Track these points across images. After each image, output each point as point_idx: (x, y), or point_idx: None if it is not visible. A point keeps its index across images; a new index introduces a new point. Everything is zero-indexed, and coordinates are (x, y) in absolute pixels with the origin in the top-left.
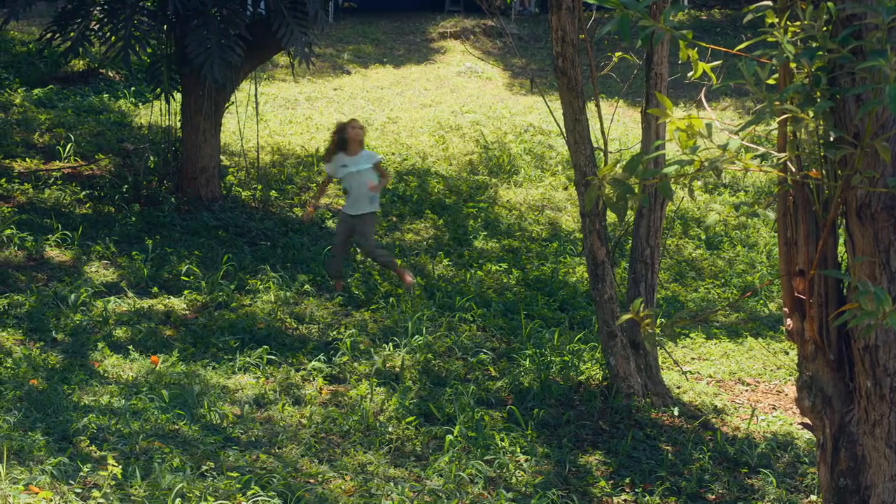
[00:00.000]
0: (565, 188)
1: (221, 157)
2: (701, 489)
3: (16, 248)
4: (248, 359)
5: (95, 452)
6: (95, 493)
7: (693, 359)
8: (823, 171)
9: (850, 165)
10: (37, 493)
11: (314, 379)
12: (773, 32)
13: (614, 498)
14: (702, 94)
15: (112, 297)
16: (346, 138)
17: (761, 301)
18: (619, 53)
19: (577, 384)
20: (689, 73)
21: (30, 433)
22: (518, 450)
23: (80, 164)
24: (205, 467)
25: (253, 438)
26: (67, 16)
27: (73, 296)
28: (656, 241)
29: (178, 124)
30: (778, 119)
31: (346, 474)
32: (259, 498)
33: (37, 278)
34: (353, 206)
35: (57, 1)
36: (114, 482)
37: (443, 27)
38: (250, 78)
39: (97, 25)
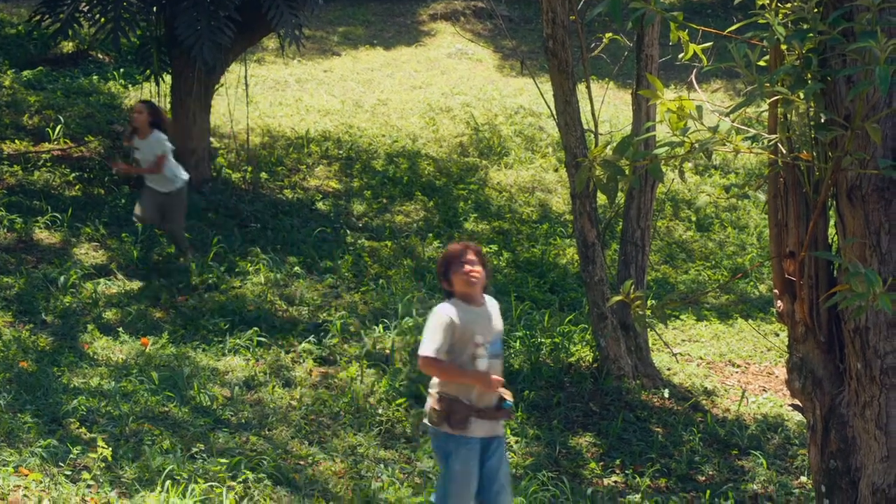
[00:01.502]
0: (556, 170)
1: (211, 139)
2: (691, 471)
3: (5, 231)
4: (237, 341)
5: (85, 434)
6: (85, 474)
7: (683, 340)
8: (814, 153)
9: (840, 147)
10: (26, 475)
11: (304, 361)
12: (763, 14)
13: (605, 479)
14: (692, 76)
15: (101, 280)
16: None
17: (752, 283)
18: (609, 35)
19: (568, 366)
20: (680, 55)
21: (19, 415)
22: (508, 432)
23: (69, 146)
24: (195, 449)
25: (243, 420)
26: None
27: (62, 278)
28: (647, 223)
29: (168, 106)
30: (768, 101)
31: (337, 456)
32: (249, 480)
33: (26, 260)
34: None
35: None
36: (103, 464)
37: (433, 9)
38: (240, 60)
39: (87, 7)
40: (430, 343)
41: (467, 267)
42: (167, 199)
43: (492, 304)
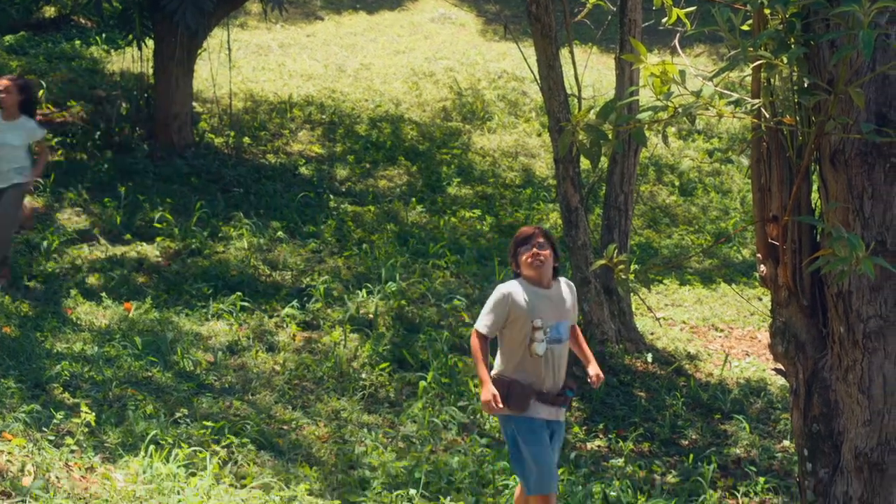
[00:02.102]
0: (539, 134)
1: (194, 104)
2: (674, 435)
3: None
4: (221, 305)
5: (68, 399)
6: (69, 440)
7: (667, 305)
8: (797, 118)
9: (823, 112)
10: (10, 441)
11: (287, 325)
12: None
13: (588, 444)
14: (676, 41)
15: (84, 245)
16: None
17: (735, 247)
18: (593, 0)
19: None
20: (664, 20)
21: (2, 380)
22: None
23: (51, 111)
24: (178, 414)
25: (226, 385)
26: None
27: (45, 243)
28: (630, 188)
29: (151, 71)
30: (752, 65)
31: (320, 420)
32: (232, 445)
33: None
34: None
35: None
36: (87, 429)
37: None
38: (223, 24)
39: None
40: (481, 318)
41: (535, 250)
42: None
43: (566, 289)
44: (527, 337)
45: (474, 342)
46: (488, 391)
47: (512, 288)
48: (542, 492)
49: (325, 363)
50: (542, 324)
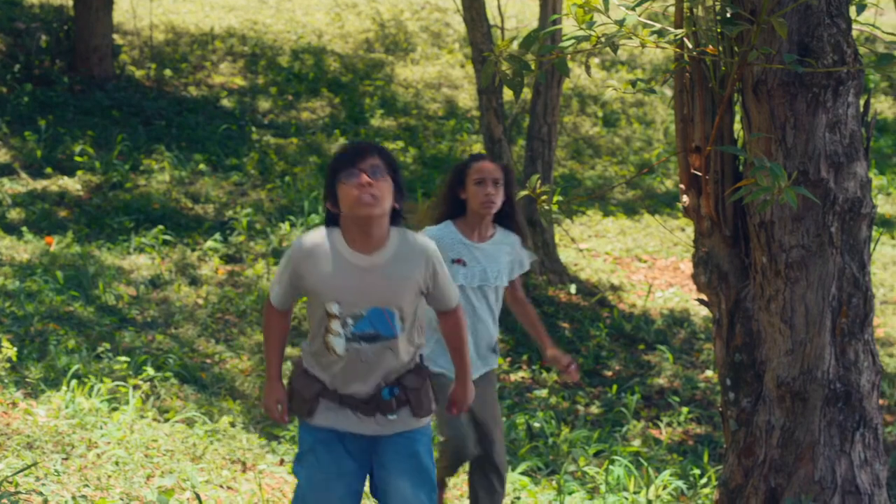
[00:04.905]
0: (462, 66)
1: (114, 36)
2: (598, 366)
3: None
4: (143, 239)
5: None
6: None
7: (590, 236)
8: (720, 48)
9: (746, 42)
10: None
11: (210, 259)
12: None
13: (511, 375)
14: None
15: (5, 179)
16: None
17: (658, 178)
18: None
19: None
20: None
21: None
22: None
23: None
24: (100, 349)
25: (149, 319)
26: None
27: None
28: (553, 119)
29: (71, 3)
30: None
31: (243, 354)
32: (155, 378)
33: None
34: None
35: None
36: (8, 364)
37: None
38: None
39: None
40: (273, 282)
41: (364, 178)
42: None
43: (412, 255)
44: (322, 324)
45: (264, 314)
46: (271, 394)
47: (307, 243)
48: None
49: (248, 296)
50: (339, 311)
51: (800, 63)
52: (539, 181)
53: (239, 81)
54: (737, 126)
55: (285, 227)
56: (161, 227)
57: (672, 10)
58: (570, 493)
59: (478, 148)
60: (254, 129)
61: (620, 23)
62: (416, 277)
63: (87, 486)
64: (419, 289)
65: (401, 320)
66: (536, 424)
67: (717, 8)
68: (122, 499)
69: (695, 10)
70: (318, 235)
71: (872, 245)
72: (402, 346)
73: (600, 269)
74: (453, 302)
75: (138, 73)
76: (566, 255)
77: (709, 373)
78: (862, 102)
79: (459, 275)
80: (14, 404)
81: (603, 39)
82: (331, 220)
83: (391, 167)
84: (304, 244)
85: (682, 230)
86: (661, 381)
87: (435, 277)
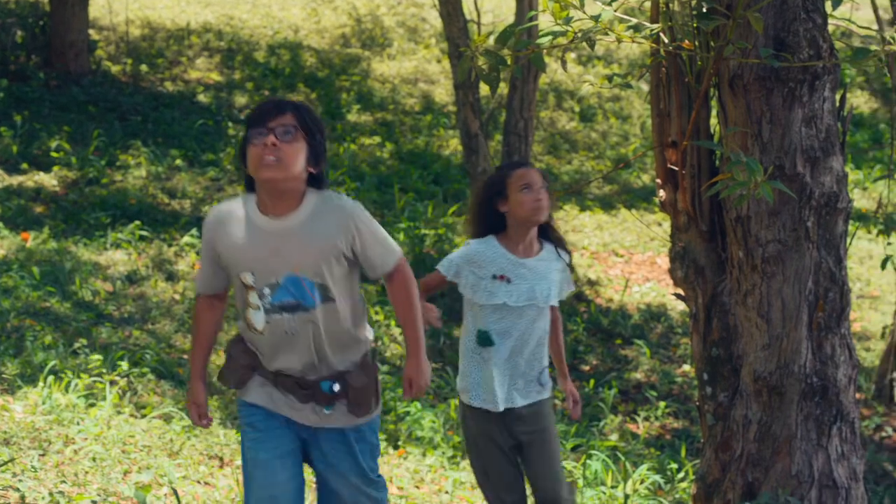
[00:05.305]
0: (438, 61)
1: (90, 31)
2: (575, 360)
3: None
4: (119, 235)
5: None
6: None
7: (567, 231)
8: (696, 43)
9: (722, 36)
10: None
11: (187, 254)
12: None
13: None
14: None
15: None
16: None
17: (635, 173)
18: None
19: None
20: None
21: None
22: (392, 323)
23: None
24: (77, 344)
25: (125, 315)
26: None
27: None
28: (530, 114)
29: None
30: None
31: (220, 349)
32: (132, 374)
33: None
34: None
35: None
36: None
37: None
38: None
39: None
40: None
41: (271, 139)
42: None
43: (329, 218)
44: (241, 298)
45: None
46: (189, 395)
47: (219, 211)
48: None
49: None
50: (254, 281)
51: (776, 58)
52: None
53: (215, 77)
54: (713, 121)
55: None
56: (138, 222)
57: (648, 5)
58: None
59: (454, 143)
60: (230, 124)
61: (596, 18)
62: (333, 241)
63: (64, 481)
64: (340, 253)
65: (321, 288)
66: None
67: (693, 3)
68: (99, 494)
69: (671, 4)
70: (232, 203)
71: (849, 239)
72: (327, 321)
73: (577, 264)
74: (390, 263)
75: (114, 69)
76: None
77: (686, 367)
78: (838, 97)
79: (502, 292)
80: None
81: (579, 35)
82: (249, 185)
83: (308, 128)
84: (216, 213)
85: (659, 225)
86: (639, 375)
87: (360, 239)
